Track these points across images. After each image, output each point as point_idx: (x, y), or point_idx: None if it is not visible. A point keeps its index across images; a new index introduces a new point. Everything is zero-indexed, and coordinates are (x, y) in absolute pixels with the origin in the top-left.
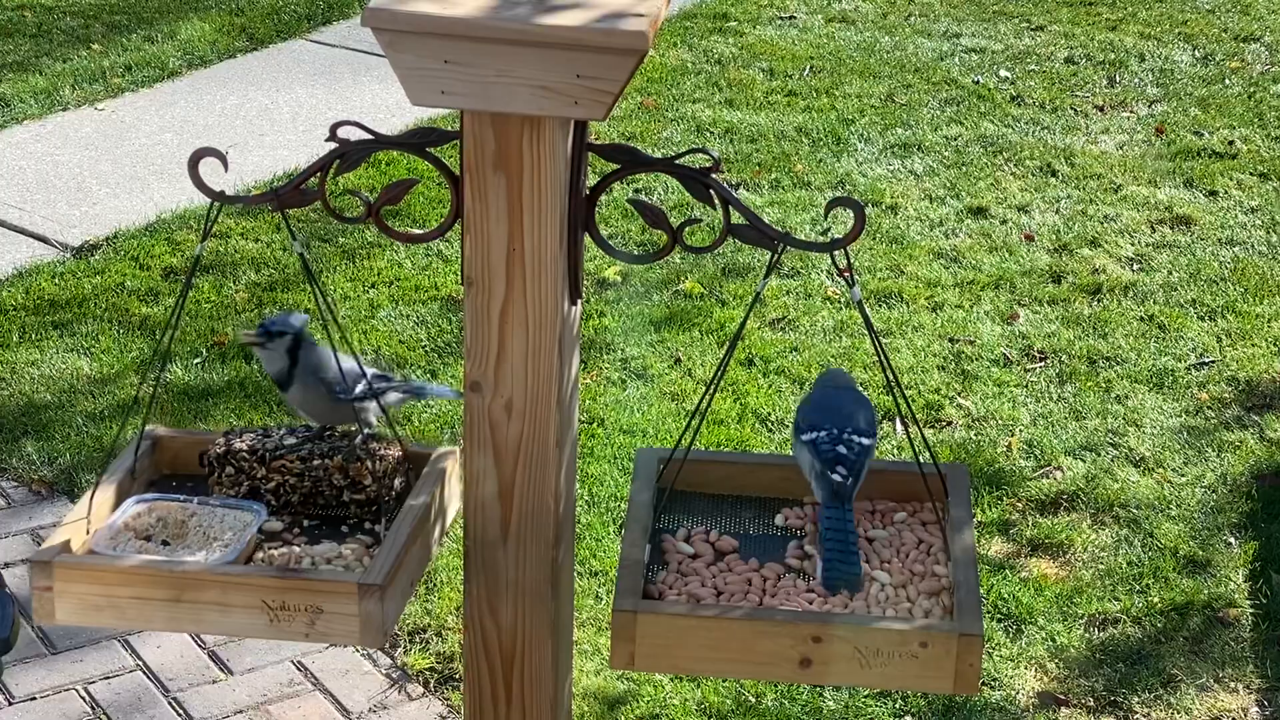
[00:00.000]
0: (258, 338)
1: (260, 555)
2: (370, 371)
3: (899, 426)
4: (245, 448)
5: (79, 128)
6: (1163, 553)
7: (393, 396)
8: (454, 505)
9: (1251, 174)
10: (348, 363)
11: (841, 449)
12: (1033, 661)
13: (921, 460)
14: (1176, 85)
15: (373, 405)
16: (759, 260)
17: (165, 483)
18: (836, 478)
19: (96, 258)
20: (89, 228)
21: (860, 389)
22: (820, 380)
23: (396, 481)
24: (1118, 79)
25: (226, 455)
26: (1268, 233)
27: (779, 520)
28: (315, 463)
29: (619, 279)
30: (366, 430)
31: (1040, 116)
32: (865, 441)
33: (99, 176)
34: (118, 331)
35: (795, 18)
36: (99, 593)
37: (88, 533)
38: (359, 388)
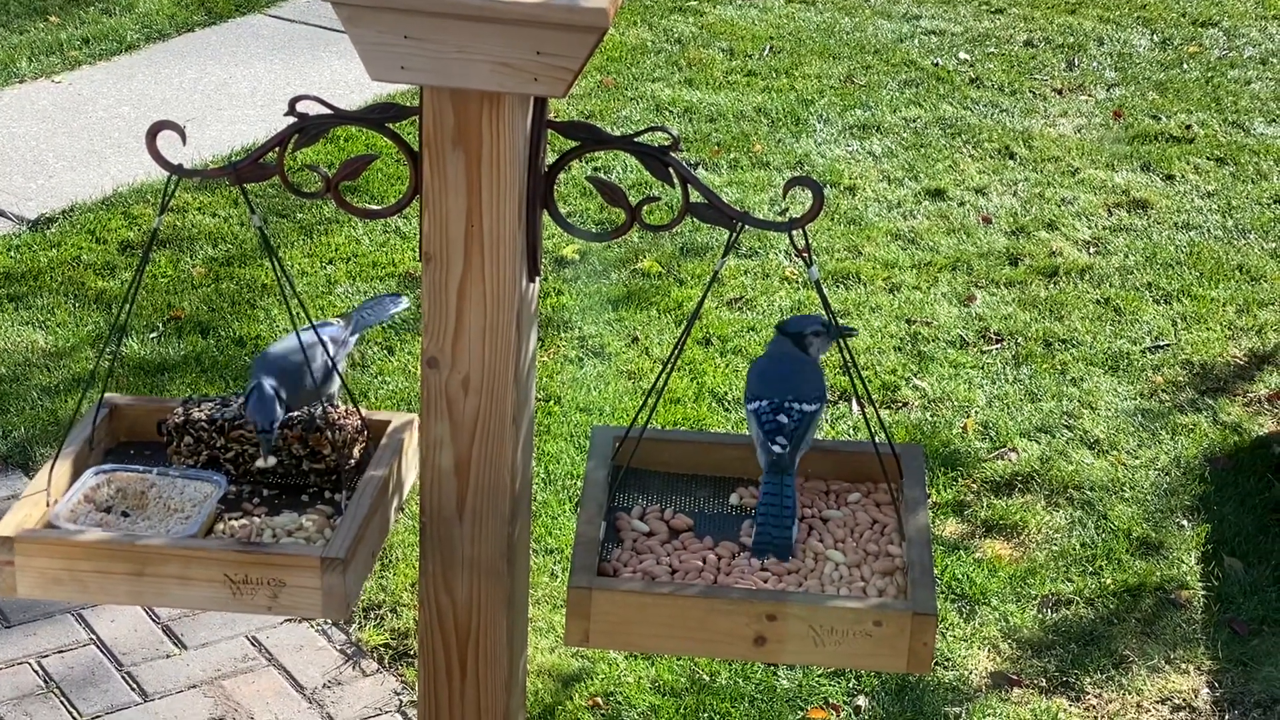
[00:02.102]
0: (269, 441)
1: (221, 526)
2: (325, 334)
3: (855, 407)
4: (204, 417)
5: (35, 100)
6: (1116, 535)
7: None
8: (411, 476)
9: (1208, 158)
10: (311, 343)
11: (782, 418)
12: (986, 642)
13: (877, 441)
14: (1135, 69)
15: (335, 378)
16: (717, 239)
17: (123, 451)
18: (776, 449)
19: (52, 231)
20: (45, 201)
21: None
22: (776, 335)
23: (355, 451)
24: (1076, 62)
25: (185, 425)
26: (1224, 217)
27: (734, 499)
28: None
29: (577, 257)
30: (326, 401)
31: (999, 99)
32: (807, 409)
33: (55, 149)
34: (73, 305)
35: None
36: (60, 567)
37: (48, 505)
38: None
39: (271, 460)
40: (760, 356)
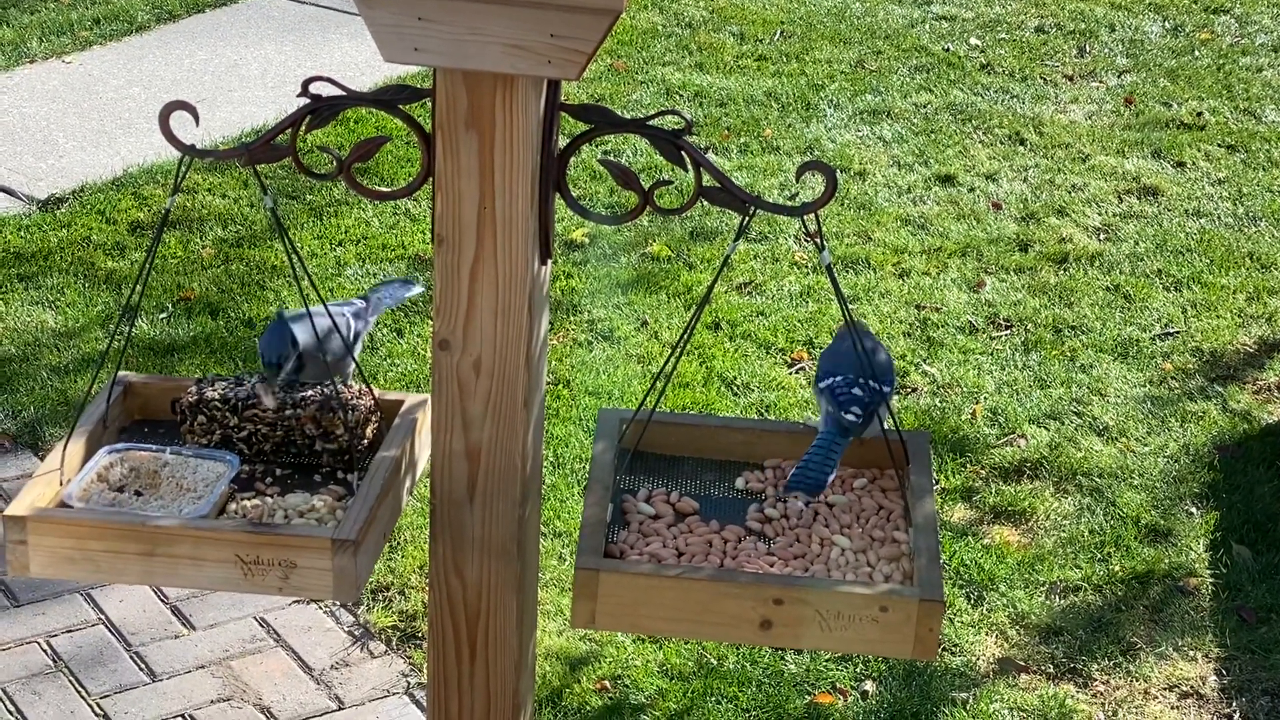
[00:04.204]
0: (274, 377)
1: (233, 506)
2: (348, 311)
3: None
4: (217, 396)
5: (46, 80)
6: (1124, 521)
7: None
8: (424, 457)
9: (1219, 146)
10: (325, 320)
11: (857, 391)
12: (993, 628)
13: (884, 426)
14: (1146, 56)
15: (349, 361)
16: (726, 224)
17: (137, 429)
18: (850, 418)
19: (63, 211)
20: (55, 181)
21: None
22: (840, 331)
23: (368, 431)
24: (1088, 49)
25: (199, 404)
26: (1234, 204)
27: (740, 483)
28: (287, 412)
29: (586, 240)
30: (340, 380)
31: (1010, 85)
32: (885, 389)
33: (66, 130)
34: (83, 285)
35: None
36: (73, 546)
37: (61, 485)
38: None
39: (272, 402)
40: (831, 342)
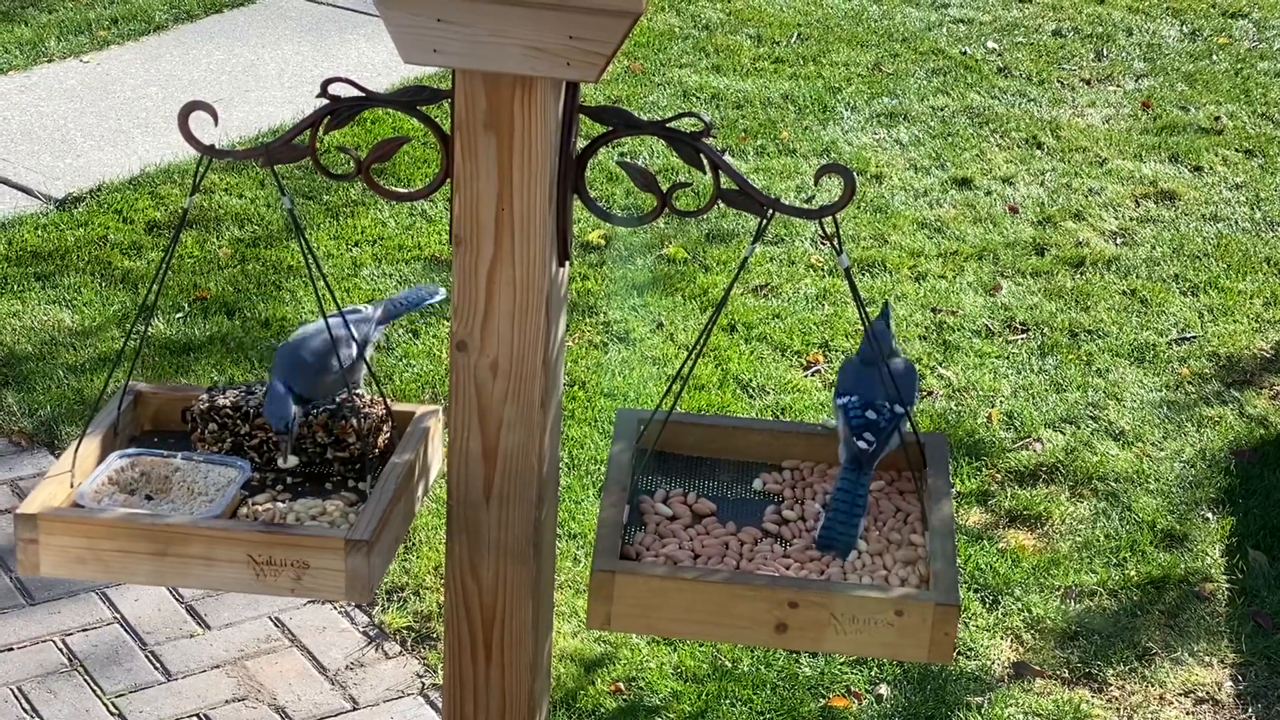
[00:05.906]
0: (287, 440)
1: (244, 511)
2: (354, 319)
3: None
4: (229, 404)
5: (64, 79)
6: (1140, 526)
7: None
8: (436, 464)
9: (1237, 150)
10: (337, 332)
11: (871, 414)
12: (1008, 632)
13: (903, 439)
14: (1164, 60)
15: (360, 366)
16: (743, 226)
17: (147, 439)
18: (862, 444)
19: (80, 210)
20: (73, 180)
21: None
22: (868, 335)
23: (380, 439)
24: (1105, 53)
25: (210, 412)
26: (1252, 209)
27: (757, 484)
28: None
29: (602, 242)
30: (350, 388)
31: (1027, 89)
32: (897, 409)
33: (83, 129)
34: (100, 284)
35: None
36: (83, 546)
37: (72, 486)
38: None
39: (293, 460)
40: (854, 352)
